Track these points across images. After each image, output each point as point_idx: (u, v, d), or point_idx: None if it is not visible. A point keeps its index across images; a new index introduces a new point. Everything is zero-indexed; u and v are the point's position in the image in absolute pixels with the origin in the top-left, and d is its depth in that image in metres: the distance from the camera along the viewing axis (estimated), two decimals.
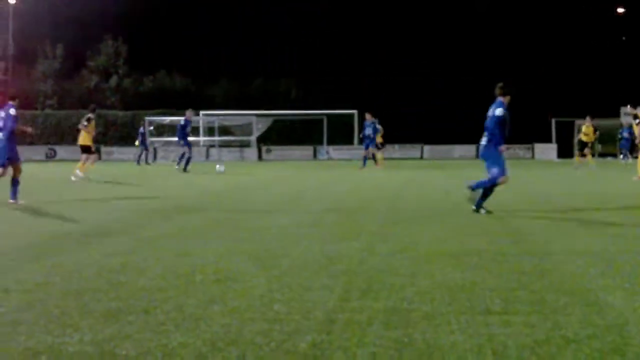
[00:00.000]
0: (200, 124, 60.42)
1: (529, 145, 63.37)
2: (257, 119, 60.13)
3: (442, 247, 10.19)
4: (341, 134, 64.61)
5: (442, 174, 33.39)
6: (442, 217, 14.43)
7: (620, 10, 77.60)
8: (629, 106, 28.81)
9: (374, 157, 40.31)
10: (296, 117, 67.10)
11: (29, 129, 20.95)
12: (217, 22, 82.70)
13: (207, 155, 61.06)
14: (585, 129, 36.95)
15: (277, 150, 63.50)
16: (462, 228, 12.54)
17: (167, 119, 58.72)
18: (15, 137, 17.95)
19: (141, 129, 53.08)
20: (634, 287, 7.42)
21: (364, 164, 39.40)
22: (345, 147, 63.82)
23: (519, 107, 71.71)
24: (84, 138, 29.49)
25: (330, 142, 64.66)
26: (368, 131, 39.25)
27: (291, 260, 9.13)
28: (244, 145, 61.94)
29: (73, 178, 28.02)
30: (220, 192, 21.94)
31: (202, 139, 60.06)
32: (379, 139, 41.39)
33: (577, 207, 16.06)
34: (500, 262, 8.94)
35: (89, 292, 7.34)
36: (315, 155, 63.31)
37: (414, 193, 21.36)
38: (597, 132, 38.16)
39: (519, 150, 63.16)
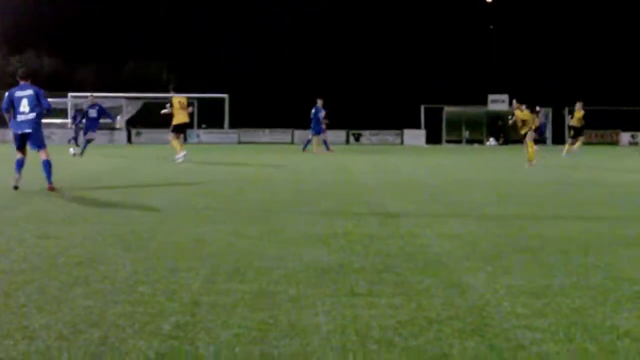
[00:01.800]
0: (69, 107, 59.32)
1: (399, 132, 64.12)
2: (127, 102, 59.37)
3: (310, 230, 10.25)
4: (212, 117, 64.27)
5: (313, 158, 33.51)
6: (312, 200, 14.49)
7: None
8: (514, 101, 29.51)
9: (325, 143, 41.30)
10: (167, 101, 66.30)
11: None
12: (89, 1, 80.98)
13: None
14: (577, 114, 36.67)
15: (147, 134, 62.71)
16: (330, 211, 12.63)
17: None
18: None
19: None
20: (495, 269, 7.58)
21: (327, 147, 40.51)
22: (216, 130, 63.58)
23: (389, 94, 72.08)
24: (182, 116, 30.05)
25: (201, 125, 64.36)
26: (320, 116, 40.21)
27: (158, 243, 9.05)
28: (113, 128, 60.89)
29: (179, 159, 27.96)
30: (89, 174, 21.58)
31: (69, 121, 59.03)
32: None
33: (430, 192, 16.34)
34: (366, 244, 9.03)
35: None
36: (185, 139, 62.75)
37: (288, 177, 21.39)
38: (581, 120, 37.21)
39: (389, 136, 64.01)
